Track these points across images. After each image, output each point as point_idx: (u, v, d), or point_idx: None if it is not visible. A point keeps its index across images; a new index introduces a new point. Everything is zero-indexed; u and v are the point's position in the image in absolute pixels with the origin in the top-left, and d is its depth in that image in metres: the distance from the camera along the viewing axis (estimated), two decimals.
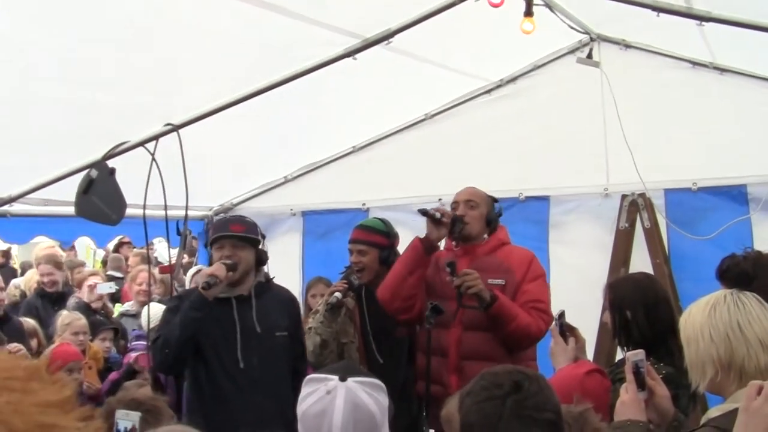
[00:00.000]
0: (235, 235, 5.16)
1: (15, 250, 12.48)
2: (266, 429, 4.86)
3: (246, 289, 5.20)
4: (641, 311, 4.15)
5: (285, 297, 5.47)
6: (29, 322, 7.06)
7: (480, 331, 5.09)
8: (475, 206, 5.34)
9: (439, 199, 7.28)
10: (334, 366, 2.75)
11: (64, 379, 0.94)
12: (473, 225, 5.29)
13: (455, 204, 5.39)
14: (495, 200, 5.52)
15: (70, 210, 5.95)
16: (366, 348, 5.83)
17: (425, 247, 5.18)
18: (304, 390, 2.63)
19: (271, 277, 5.51)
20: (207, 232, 5.38)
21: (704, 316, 2.96)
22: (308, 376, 2.69)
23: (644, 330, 4.11)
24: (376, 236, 5.84)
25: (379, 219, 6.06)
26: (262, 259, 5.30)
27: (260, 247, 5.30)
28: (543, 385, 2.55)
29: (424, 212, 5.14)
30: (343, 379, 2.58)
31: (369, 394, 2.57)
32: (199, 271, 7.40)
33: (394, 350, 5.79)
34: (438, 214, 5.10)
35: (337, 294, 5.65)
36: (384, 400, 2.62)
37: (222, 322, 5.09)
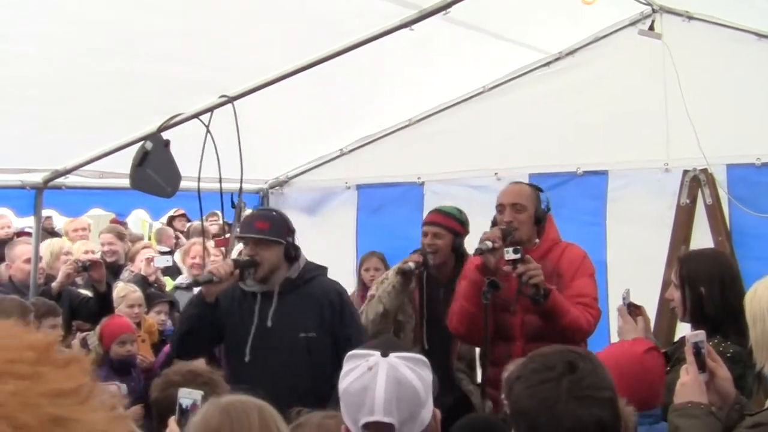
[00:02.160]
0: (256, 237, 5.00)
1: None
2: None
3: (274, 285, 5.05)
4: (717, 287, 3.99)
5: (322, 294, 5.13)
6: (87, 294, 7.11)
7: (544, 341, 5.00)
8: (522, 209, 5.16)
9: (495, 174, 7.20)
10: (375, 342, 2.70)
11: (78, 360, 0.83)
12: (522, 230, 5.13)
13: (501, 207, 5.21)
14: (540, 190, 5.33)
15: (126, 182, 5.99)
16: (420, 331, 5.81)
17: (486, 277, 4.99)
18: (346, 366, 2.56)
19: (314, 272, 5.21)
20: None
21: None
22: (349, 353, 2.62)
23: (718, 307, 3.96)
24: (453, 222, 5.78)
25: (456, 208, 5.98)
26: (290, 254, 5.07)
27: (291, 241, 5.08)
28: (596, 363, 2.46)
29: (480, 252, 4.91)
30: (384, 354, 2.51)
31: (412, 370, 2.50)
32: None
33: (443, 338, 5.74)
34: (490, 244, 4.90)
35: (411, 264, 5.59)
36: (428, 375, 2.55)
37: (244, 316, 5.05)
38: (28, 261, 6.73)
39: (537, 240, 5.24)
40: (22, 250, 6.85)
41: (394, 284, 5.67)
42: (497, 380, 4.96)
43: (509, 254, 4.77)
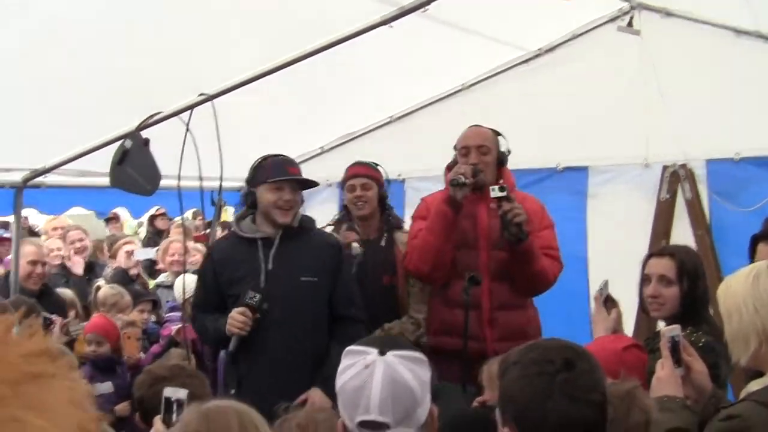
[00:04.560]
0: (296, 179, 5.10)
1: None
2: (287, 368, 4.86)
3: (272, 231, 5.08)
4: (704, 281, 4.10)
5: (323, 242, 5.26)
6: (67, 293, 7.06)
7: (507, 281, 5.14)
8: (487, 152, 5.29)
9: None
10: (374, 338, 2.71)
11: (40, 332, 0.95)
12: (487, 172, 5.23)
13: (465, 149, 5.31)
14: (498, 134, 5.45)
15: (106, 181, 5.96)
16: None
17: (454, 209, 5.10)
18: (343, 362, 2.57)
19: (311, 223, 5.31)
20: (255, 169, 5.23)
21: (747, 286, 2.88)
22: (347, 348, 2.63)
23: (703, 300, 4.08)
24: (375, 172, 5.88)
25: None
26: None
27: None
28: (593, 363, 2.47)
29: (455, 184, 5.03)
30: (382, 352, 2.53)
31: (409, 369, 2.51)
32: None
33: (380, 299, 5.63)
34: (462, 179, 5.01)
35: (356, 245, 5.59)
36: (425, 374, 2.55)
37: (247, 262, 5.02)
38: (31, 263, 6.69)
39: (502, 182, 5.22)
40: (26, 250, 6.78)
41: None
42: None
43: (495, 192, 4.90)
